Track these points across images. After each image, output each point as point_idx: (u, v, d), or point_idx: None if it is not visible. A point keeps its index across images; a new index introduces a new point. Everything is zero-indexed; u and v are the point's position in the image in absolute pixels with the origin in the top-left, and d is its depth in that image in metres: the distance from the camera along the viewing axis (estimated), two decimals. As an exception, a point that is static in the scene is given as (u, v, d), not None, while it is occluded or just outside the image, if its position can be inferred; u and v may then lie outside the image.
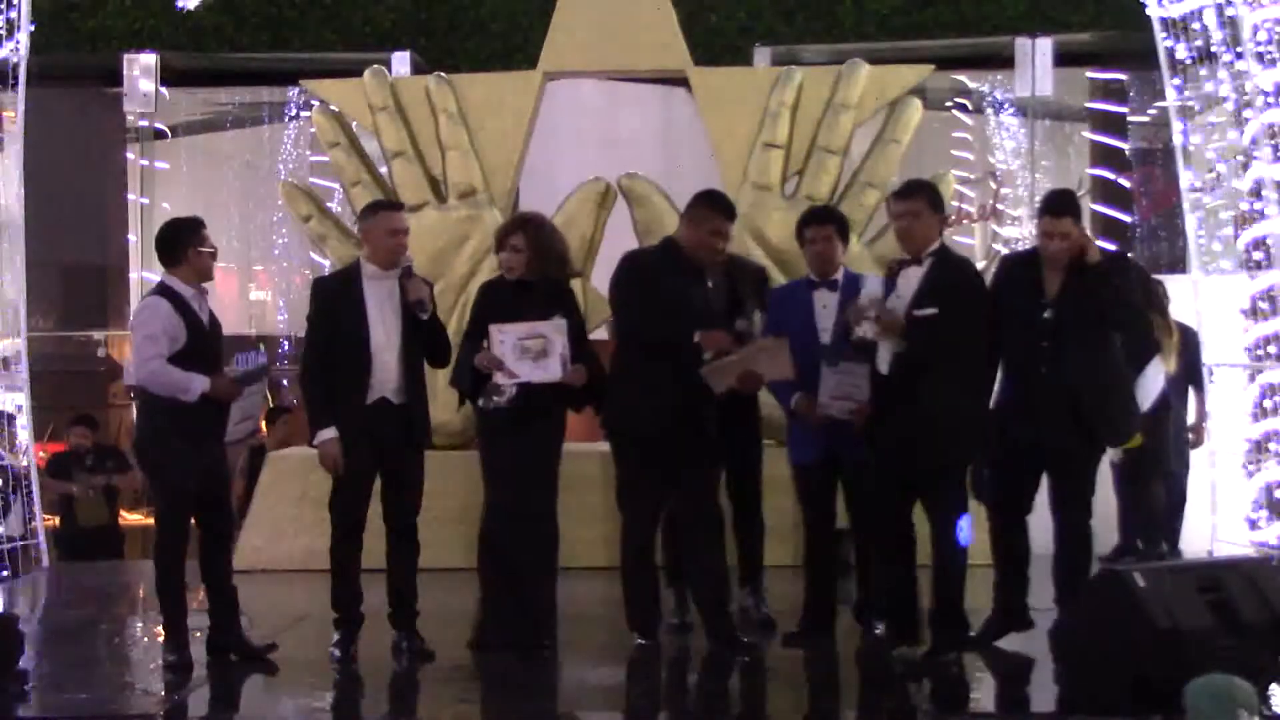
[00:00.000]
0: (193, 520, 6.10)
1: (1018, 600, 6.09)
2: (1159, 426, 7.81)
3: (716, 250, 6.07)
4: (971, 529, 5.88)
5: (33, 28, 9.08)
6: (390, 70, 10.42)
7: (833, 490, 6.26)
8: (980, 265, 12.12)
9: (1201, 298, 8.95)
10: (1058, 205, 6.01)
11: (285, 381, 13.29)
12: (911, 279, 5.82)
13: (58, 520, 10.02)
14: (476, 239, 8.57)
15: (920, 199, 5.92)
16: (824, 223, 6.38)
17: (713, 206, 6.13)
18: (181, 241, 6.02)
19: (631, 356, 6.11)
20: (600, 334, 8.37)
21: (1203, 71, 8.81)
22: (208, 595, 6.16)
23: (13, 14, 8.83)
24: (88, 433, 10.21)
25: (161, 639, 6.07)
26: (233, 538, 6.36)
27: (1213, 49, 8.64)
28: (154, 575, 6.04)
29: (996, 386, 6.08)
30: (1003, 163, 14.32)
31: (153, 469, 6.10)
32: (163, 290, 6.01)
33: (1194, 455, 8.54)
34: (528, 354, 6.02)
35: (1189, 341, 8.43)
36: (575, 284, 8.47)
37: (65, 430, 10.56)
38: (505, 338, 6.02)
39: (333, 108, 9.11)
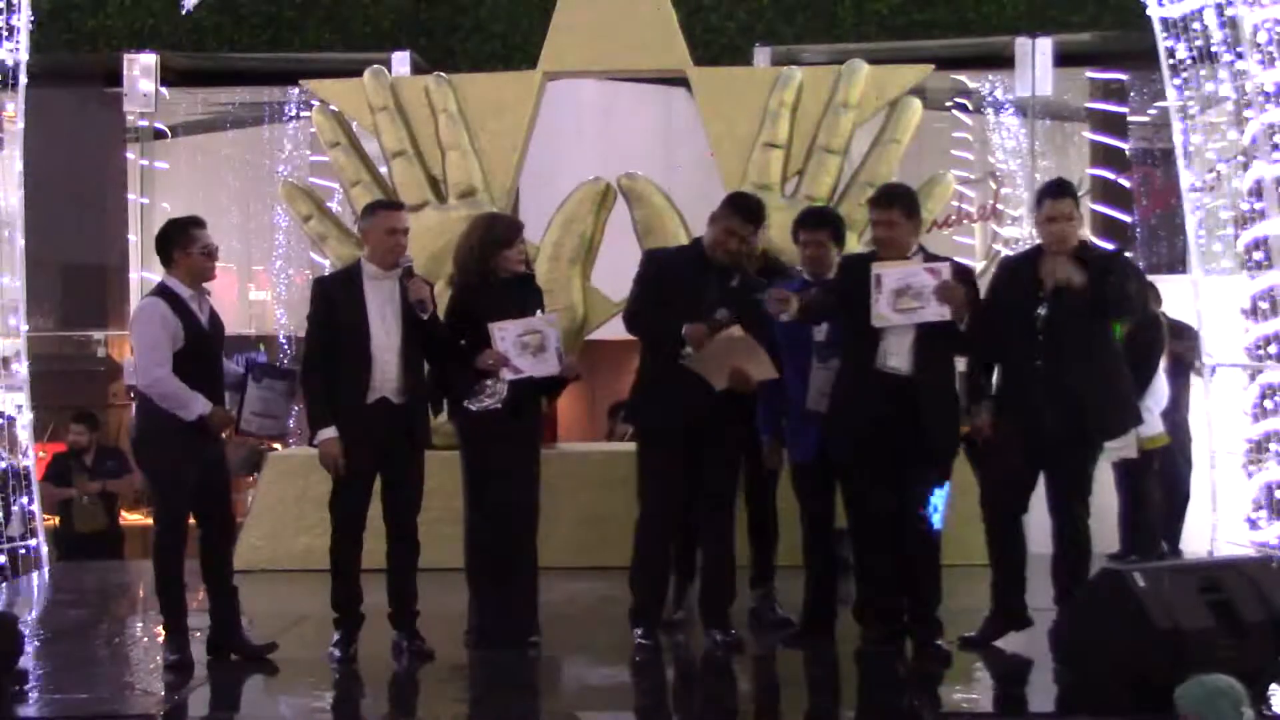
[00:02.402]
0: (193, 519, 6.10)
1: (1016, 600, 6.10)
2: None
3: (729, 249, 6.08)
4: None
5: (33, 27, 9.07)
6: (390, 70, 10.42)
7: (831, 489, 6.27)
8: (980, 265, 12.16)
9: (1201, 298, 8.95)
10: (1056, 188, 6.09)
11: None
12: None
13: (57, 521, 10.01)
14: (476, 239, 8.56)
15: (898, 209, 5.95)
16: (816, 227, 6.39)
17: (729, 206, 6.19)
18: (171, 243, 6.03)
19: (657, 351, 6.13)
20: (601, 334, 8.39)
21: (1203, 71, 8.80)
22: (208, 594, 6.16)
23: (13, 14, 8.82)
24: (84, 429, 10.19)
25: (161, 639, 6.07)
26: (233, 537, 6.35)
27: (1213, 49, 8.63)
28: (153, 575, 6.04)
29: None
30: (1003, 163, 14.32)
31: (151, 468, 6.10)
32: (161, 291, 6.01)
33: (1194, 455, 8.55)
34: (527, 349, 6.05)
35: (1187, 340, 8.46)
36: (575, 284, 8.54)
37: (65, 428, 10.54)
38: (505, 334, 6.04)
39: (333, 108, 9.11)
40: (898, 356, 5.82)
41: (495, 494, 6.11)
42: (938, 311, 5.72)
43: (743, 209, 6.16)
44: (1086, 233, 13.70)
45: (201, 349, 5.96)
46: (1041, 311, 5.88)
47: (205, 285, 6.07)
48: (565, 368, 6.17)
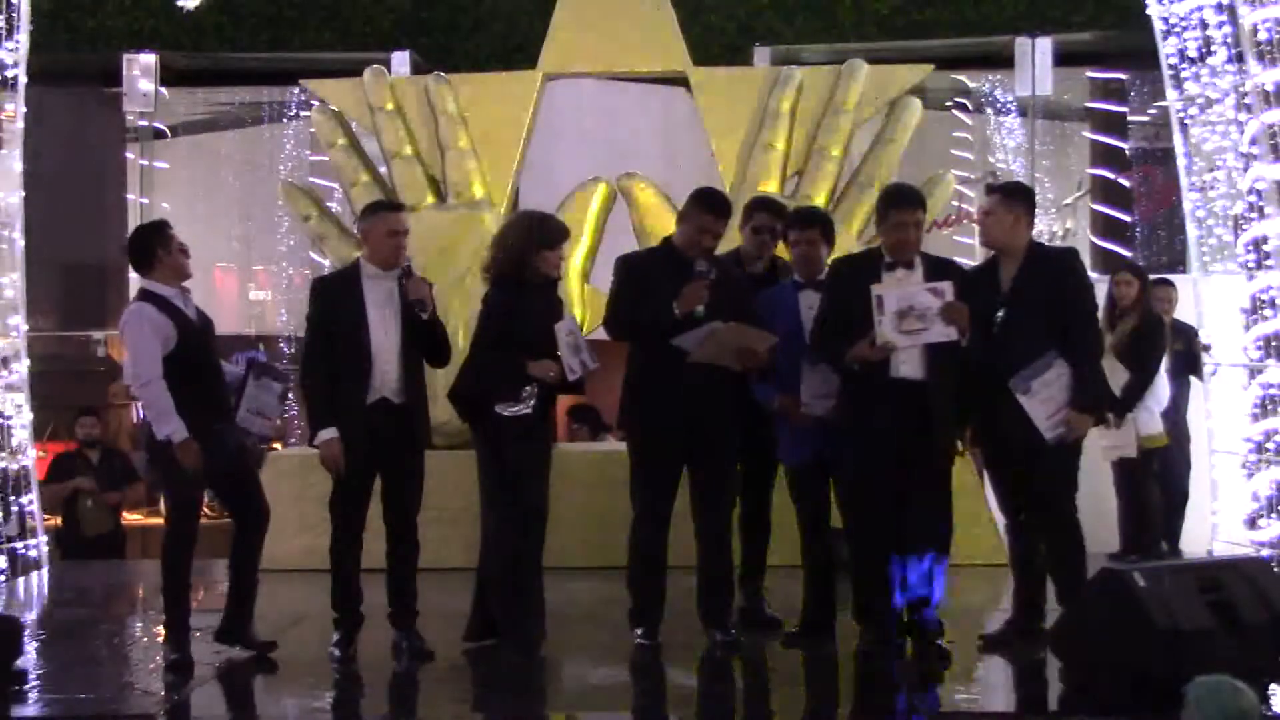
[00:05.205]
0: (230, 515, 6.17)
1: (1031, 602, 6.12)
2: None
3: (704, 248, 6.10)
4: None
5: (32, 27, 9.07)
6: (390, 70, 10.42)
7: (826, 490, 6.26)
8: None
9: (1201, 298, 8.96)
10: (992, 185, 6.42)
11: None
12: (915, 278, 5.84)
13: (59, 520, 10.01)
14: (476, 239, 8.56)
15: (920, 208, 5.98)
16: (808, 225, 6.37)
17: (700, 204, 6.18)
18: (149, 245, 6.03)
19: (647, 352, 6.12)
20: (600, 334, 8.38)
21: (1203, 71, 8.81)
22: (231, 583, 6.18)
23: (13, 14, 8.82)
24: (95, 421, 10.23)
25: (162, 638, 6.07)
26: (265, 529, 6.23)
27: (1212, 49, 8.64)
28: (161, 572, 6.04)
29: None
30: (1003, 163, 14.32)
31: (165, 464, 6.06)
32: (144, 295, 5.99)
33: (1193, 455, 8.56)
34: (575, 349, 6.07)
35: (1188, 339, 8.48)
36: (575, 284, 8.54)
37: (72, 424, 10.51)
38: (559, 333, 6.06)
39: (333, 108, 9.11)
40: (909, 364, 5.81)
41: (532, 495, 6.08)
42: (944, 332, 5.71)
43: (714, 205, 6.16)
44: (1088, 234, 13.76)
45: (195, 346, 5.96)
46: (1000, 315, 5.90)
47: (185, 285, 6.06)
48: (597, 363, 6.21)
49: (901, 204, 5.94)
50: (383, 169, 9.03)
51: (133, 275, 13.27)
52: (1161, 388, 8.00)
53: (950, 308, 5.70)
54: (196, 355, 5.94)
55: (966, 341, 5.76)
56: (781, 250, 6.64)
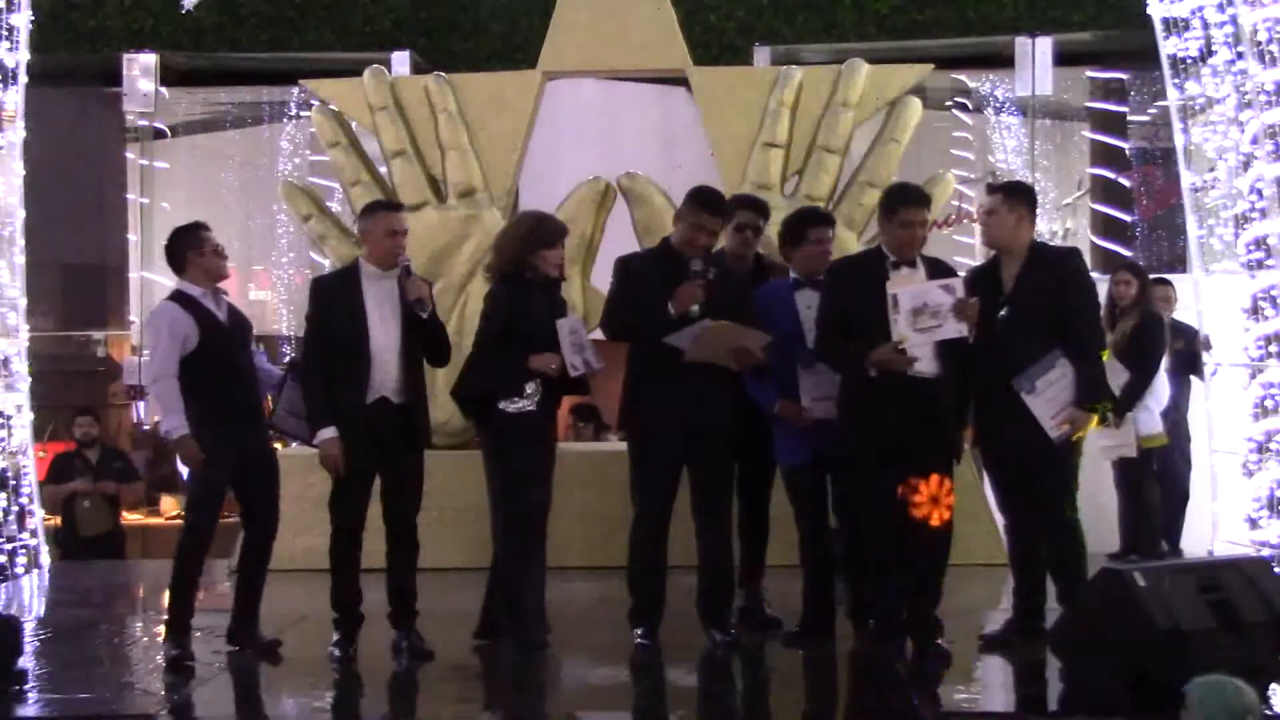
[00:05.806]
0: (239, 517, 6.21)
1: (1031, 602, 6.11)
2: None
3: (701, 246, 6.10)
4: None
5: (32, 27, 9.07)
6: (390, 70, 10.42)
7: (824, 491, 6.26)
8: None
9: (1202, 297, 8.96)
10: (993, 185, 6.41)
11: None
12: (919, 277, 5.84)
13: (59, 521, 10.00)
14: (476, 239, 8.58)
15: (927, 208, 6.00)
16: (827, 224, 6.40)
17: (696, 202, 6.18)
18: (180, 248, 6.12)
19: (647, 352, 6.12)
20: (600, 334, 8.39)
21: (1203, 71, 8.81)
22: (240, 587, 6.22)
23: (13, 14, 8.81)
24: (91, 420, 10.22)
25: (162, 637, 6.07)
26: (273, 534, 6.29)
27: (1213, 49, 8.64)
28: (172, 568, 6.06)
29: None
30: (1003, 163, 14.33)
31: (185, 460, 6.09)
32: (174, 295, 6.09)
33: (1195, 455, 8.55)
34: (579, 348, 6.10)
35: (1189, 339, 8.48)
36: (575, 284, 8.54)
37: (71, 424, 10.50)
38: (561, 331, 6.08)
39: (333, 108, 9.11)
40: (924, 361, 5.81)
41: (539, 492, 6.11)
42: (956, 329, 5.73)
43: (709, 204, 6.17)
44: (1088, 234, 13.76)
45: (221, 345, 6.00)
46: (1003, 315, 5.91)
47: (219, 285, 6.13)
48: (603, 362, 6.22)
49: (909, 202, 5.93)
50: (383, 169, 9.03)
51: (133, 275, 13.52)
52: (1161, 387, 8.00)
53: (962, 304, 5.71)
54: (222, 355, 5.99)
55: (973, 339, 5.78)
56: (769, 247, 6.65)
